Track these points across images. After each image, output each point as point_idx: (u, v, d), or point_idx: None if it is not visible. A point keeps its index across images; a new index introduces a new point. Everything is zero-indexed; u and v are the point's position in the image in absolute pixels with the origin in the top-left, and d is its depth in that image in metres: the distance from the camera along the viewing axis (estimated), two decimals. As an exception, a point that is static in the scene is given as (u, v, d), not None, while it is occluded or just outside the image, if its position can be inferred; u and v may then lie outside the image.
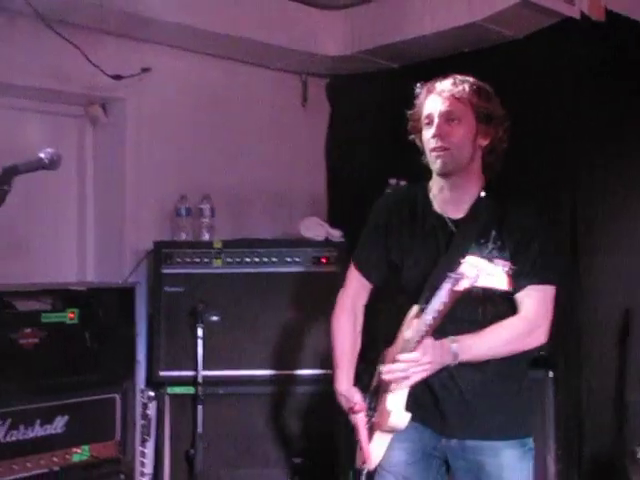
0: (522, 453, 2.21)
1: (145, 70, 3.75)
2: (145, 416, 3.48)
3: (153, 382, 3.55)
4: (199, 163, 4.00)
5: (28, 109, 3.74)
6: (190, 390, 3.47)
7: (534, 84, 3.55)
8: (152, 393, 3.51)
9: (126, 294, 3.41)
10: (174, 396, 3.52)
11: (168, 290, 3.55)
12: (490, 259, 2.05)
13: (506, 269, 2.06)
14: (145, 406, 3.49)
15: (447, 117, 2.17)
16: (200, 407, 3.43)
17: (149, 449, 3.51)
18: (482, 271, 1.96)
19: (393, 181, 3.85)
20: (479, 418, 2.18)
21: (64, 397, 3.14)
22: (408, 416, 2.16)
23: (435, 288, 2.02)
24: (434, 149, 2.17)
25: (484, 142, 2.21)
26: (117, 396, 3.32)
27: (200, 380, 3.43)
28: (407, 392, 2.15)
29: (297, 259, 3.63)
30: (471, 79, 2.22)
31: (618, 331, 3.51)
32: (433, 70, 3.96)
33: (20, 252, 3.64)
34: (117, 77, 3.64)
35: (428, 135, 2.19)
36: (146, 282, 3.74)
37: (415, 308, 2.18)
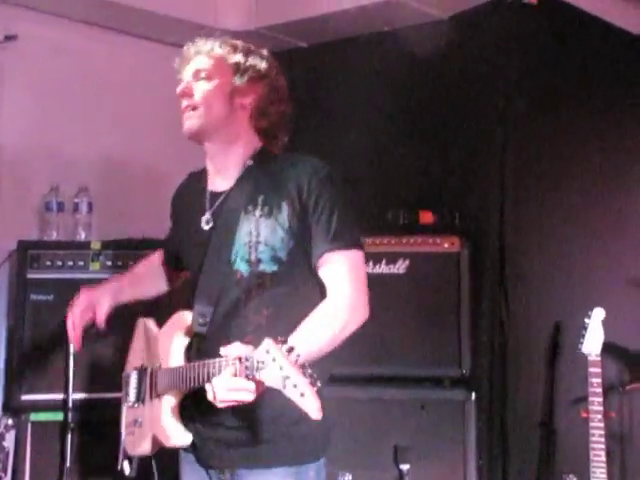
0: None
1: (9, 38, 3.59)
2: (1, 448, 3.29)
3: (12, 407, 3.39)
4: (74, 149, 3.86)
5: None
6: (58, 416, 3.34)
7: (458, 67, 3.61)
8: (10, 421, 3.33)
9: (-19, 302, 3.20)
10: (38, 424, 3.35)
11: (34, 298, 3.41)
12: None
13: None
14: (1, 436, 3.30)
15: (193, 74, 2.14)
16: (69, 436, 3.30)
17: (6, 487, 3.33)
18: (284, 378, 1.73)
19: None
20: (248, 442, 2.04)
21: None
22: (189, 438, 2.09)
23: (209, 292, 2.05)
24: (182, 111, 2.13)
25: (246, 100, 2.13)
26: (-33, 424, 3.14)
27: (71, 404, 3.31)
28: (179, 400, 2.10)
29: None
30: (228, 38, 2.20)
31: (547, 350, 3.54)
32: (347, 49, 4.03)
33: None
34: (-25, 44, 3.48)
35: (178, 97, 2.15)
36: (7, 288, 3.60)
37: (183, 317, 2.12)
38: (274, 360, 1.72)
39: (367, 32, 3.88)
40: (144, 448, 2.21)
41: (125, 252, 3.48)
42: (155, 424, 2.14)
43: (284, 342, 1.77)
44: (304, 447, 2.06)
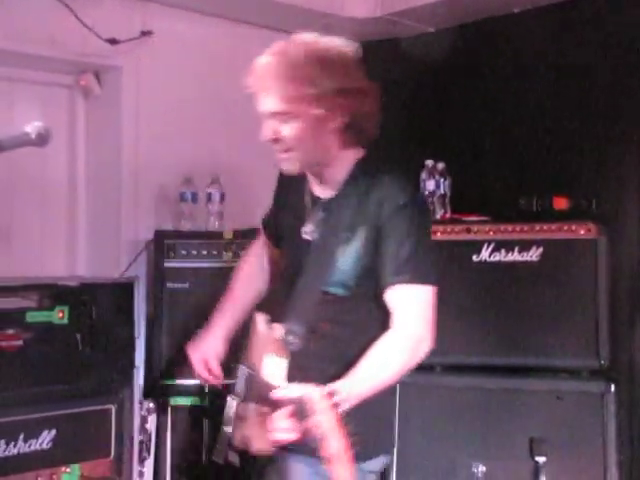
0: (309, 475, 2.08)
1: (145, 34, 3.72)
2: (144, 431, 3.43)
3: (153, 392, 3.51)
4: (206, 140, 3.95)
5: (11, 78, 3.69)
6: (196, 401, 3.45)
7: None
8: (152, 404, 3.46)
9: (123, 290, 3.36)
10: (177, 408, 3.49)
11: (171, 286, 3.53)
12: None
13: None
14: (144, 419, 3.43)
15: (278, 117, 2.09)
16: (207, 421, 3.40)
17: (148, 468, 3.46)
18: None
19: (430, 162, 3.77)
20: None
21: (51, 408, 3.09)
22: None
23: (299, 311, 2.05)
24: (276, 153, 2.15)
25: (339, 122, 2.08)
26: (112, 407, 3.27)
27: (207, 390, 3.39)
28: None
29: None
30: (308, 46, 2.09)
31: None
32: (477, 33, 4.02)
33: (1, 242, 3.60)
34: (113, 41, 3.60)
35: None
36: (146, 277, 3.70)
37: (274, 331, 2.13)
38: (318, 413, 1.78)
39: (500, 13, 3.84)
40: (256, 447, 2.23)
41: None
42: (250, 428, 2.18)
43: (331, 394, 1.82)
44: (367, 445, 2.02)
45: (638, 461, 3.40)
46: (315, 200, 2.17)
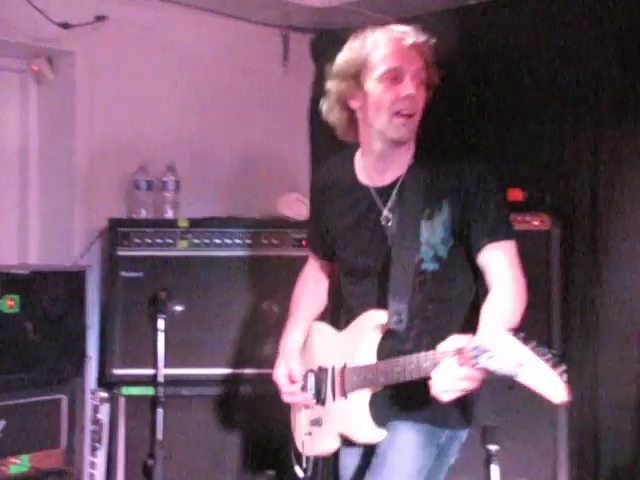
0: (424, 441, 2.16)
1: (100, 19, 3.66)
2: (96, 421, 3.39)
3: (106, 381, 3.50)
4: (162, 128, 3.93)
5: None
6: (149, 391, 3.43)
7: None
8: (105, 394, 3.42)
9: (75, 279, 3.35)
10: (130, 398, 3.48)
11: (125, 275, 3.51)
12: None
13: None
14: (96, 409, 3.39)
15: (419, 78, 2.12)
16: (160, 410, 3.39)
17: (100, 459, 3.45)
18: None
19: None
20: (391, 396, 2.18)
21: (1, 398, 3.06)
22: (382, 433, 2.18)
23: (401, 290, 2.11)
24: (403, 112, 2.11)
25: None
26: (64, 397, 3.26)
27: (161, 379, 3.39)
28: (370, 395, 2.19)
29: (275, 241, 3.59)
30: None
31: None
32: (435, 26, 4.01)
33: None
34: (66, 26, 3.54)
35: (393, 93, 2.11)
36: (99, 266, 3.70)
37: (377, 316, 2.18)
38: (507, 348, 1.80)
39: (456, 5, 3.86)
40: (327, 446, 2.33)
41: (211, 230, 3.55)
42: (344, 422, 2.25)
43: (514, 331, 1.84)
44: (442, 413, 2.14)
45: (589, 450, 3.45)
46: (379, 189, 2.23)
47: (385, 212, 2.21)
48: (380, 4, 3.99)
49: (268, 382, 3.45)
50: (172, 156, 3.85)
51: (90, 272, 3.40)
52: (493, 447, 3.31)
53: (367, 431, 2.20)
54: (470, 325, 2.10)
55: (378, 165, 2.24)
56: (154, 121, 3.91)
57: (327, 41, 4.44)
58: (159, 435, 3.37)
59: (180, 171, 3.82)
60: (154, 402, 3.40)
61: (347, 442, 2.28)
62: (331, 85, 2.23)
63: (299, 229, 3.59)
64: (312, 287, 2.55)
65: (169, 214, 3.76)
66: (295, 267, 3.52)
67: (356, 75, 2.15)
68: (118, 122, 3.81)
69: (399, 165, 2.22)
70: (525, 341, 1.79)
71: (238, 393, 3.54)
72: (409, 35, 2.12)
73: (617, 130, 3.53)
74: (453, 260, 2.18)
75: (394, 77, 2.11)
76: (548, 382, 1.77)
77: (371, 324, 2.20)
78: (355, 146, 2.30)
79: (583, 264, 3.49)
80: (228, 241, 3.56)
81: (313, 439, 2.37)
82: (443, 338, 1.99)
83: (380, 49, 2.12)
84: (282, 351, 2.47)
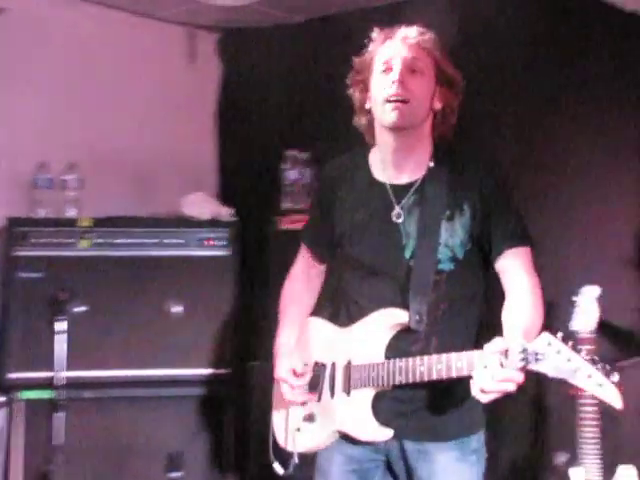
0: (460, 455, 2.20)
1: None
2: None
3: (3, 385, 3.42)
4: (63, 125, 3.86)
5: None
6: (48, 394, 3.36)
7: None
8: (1, 398, 3.38)
9: (-31, 280, 3.25)
10: (29, 402, 3.40)
11: (23, 276, 3.44)
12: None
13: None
14: None
15: (411, 66, 2.17)
16: (60, 415, 3.32)
17: (-3, 465, 3.36)
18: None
19: (293, 152, 3.79)
20: (413, 417, 2.19)
21: None
22: (389, 432, 2.17)
23: (422, 290, 2.13)
24: (391, 97, 2.15)
25: (438, 105, 2.24)
26: (-42, 402, 3.17)
27: (61, 382, 3.33)
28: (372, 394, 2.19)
29: (179, 241, 3.57)
30: (434, 35, 2.24)
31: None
32: (344, 25, 4.04)
33: None
34: (-39, 18, 3.44)
35: (384, 82, 2.17)
36: None
37: (396, 314, 2.17)
38: (559, 352, 1.83)
39: (367, 5, 3.87)
40: (322, 442, 2.29)
41: (114, 229, 3.51)
42: (346, 420, 2.22)
43: (562, 335, 1.87)
44: (469, 420, 2.21)
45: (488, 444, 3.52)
46: (395, 186, 2.24)
47: (397, 209, 2.22)
48: (287, 3, 4.00)
49: (172, 383, 3.49)
50: (75, 154, 3.77)
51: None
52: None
53: (371, 430, 2.18)
54: (479, 328, 2.16)
55: (394, 161, 2.24)
56: (55, 118, 3.84)
57: (234, 40, 4.43)
58: (59, 440, 3.30)
59: (84, 170, 3.74)
60: (54, 406, 3.32)
61: (345, 439, 2.25)
62: (352, 93, 2.32)
63: (203, 228, 3.58)
64: (304, 283, 2.51)
65: (71, 213, 3.68)
66: (199, 267, 3.55)
67: (365, 79, 2.25)
68: (17, 119, 3.72)
69: (418, 164, 2.24)
70: (574, 348, 1.85)
71: (144, 395, 3.50)
72: (399, 31, 2.21)
73: (520, 131, 3.61)
74: (467, 262, 2.21)
75: (385, 69, 2.18)
76: (606, 389, 1.82)
77: (388, 322, 2.19)
78: (365, 145, 2.33)
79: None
80: (131, 241, 3.52)
81: (304, 435, 2.33)
82: (452, 340, 2.03)
83: (377, 50, 2.23)
84: (280, 349, 2.43)
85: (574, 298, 3.14)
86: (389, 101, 2.15)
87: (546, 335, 1.86)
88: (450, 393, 2.10)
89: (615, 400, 1.81)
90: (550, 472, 3.27)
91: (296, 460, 2.33)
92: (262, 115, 4.22)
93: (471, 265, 2.23)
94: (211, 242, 3.56)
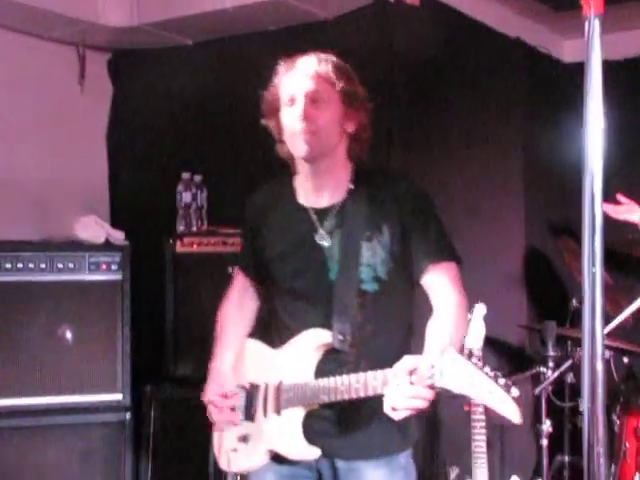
0: (389, 472, 2.23)
1: None
2: None
3: None
4: None
5: None
6: None
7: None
8: None
9: None
10: None
11: None
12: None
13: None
14: None
15: (313, 97, 2.20)
16: None
17: None
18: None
19: (187, 175, 3.78)
20: (348, 433, 2.22)
21: None
22: (317, 452, 2.20)
23: (345, 310, 2.16)
24: (300, 132, 2.18)
25: (351, 127, 2.26)
26: None
27: None
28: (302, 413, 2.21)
29: (71, 265, 3.49)
30: (334, 58, 2.27)
31: None
32: (233, 48, 4.07)
33: None
34: None
35: (291, 117, 2.21)
36: None
37: (321, 335, 2.20)
38: (462, 368, 1.85)
39: (251, 31, 3.90)
40: (255, 463, 2.28)
41: (4, 254, 3.41)
42: (276, 439, 2.22)
43: (468, 353, 1.89)
44: (398, 438, 2.23)
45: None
46: (317, 210, 2.27)
47: (321, 232, 2.24)
48: (176, 25, 4.00)
49: (61, 411, 3.41)
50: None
51: None
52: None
53: (300, 448, 2.19)
54: (408, 346, 2.17)
55: (314, 186, 2.27)
56: None
57: (125, 61, 4.39)
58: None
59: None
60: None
61: (277, 460, 2.25)
62: (267, 125, 2.32)
63: (96, 252, 3.53)
64: (239, 308, 2.50)
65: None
66: (91, 291, 3.49)
67: (276, 112, 2.26)
68: None
69: (337, 187, 2.26)
70: (477, 364, 1.87)
71: (33, 425, 3.40)
72: (299, 62, 2.24)
73: (407, 150, 3.69)
74: (392, 282, 2.22)
75: (290, 103, 2.21)
76: (506, 405, 1.85)
77: (313, 343, 2.20)
78: (290, 171, 2.34)
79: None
80: (20, 265, 3.43)
81: (239, 456, 2.32)
82: (381, 360, 2.03)
83: (281, 82, 2.25)
84: (212, 373, 2.42)
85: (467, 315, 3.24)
86: (296, 134, 2.19)
87: (451, 352, 1.91)
88: (378, 411, 2.10)
89: (514, 415, 1.85)
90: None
91: None
92: (154, 137, 4.19)
93: (398, 286, 2.26)
94: (104, 266, 3.51)
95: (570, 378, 3.57)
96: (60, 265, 3.47)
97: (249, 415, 2.33)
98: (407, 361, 1.97)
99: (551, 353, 3.55)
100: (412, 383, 1.92)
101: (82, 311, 3.48)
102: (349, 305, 2.20)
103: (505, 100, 4.09)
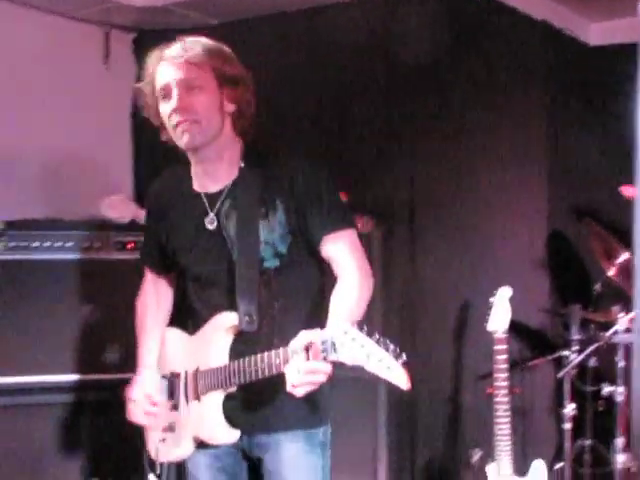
0: (307, 446, 2.25)
1: None
2: None
3: None
4: None
5: None
6: None
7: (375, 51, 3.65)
8: None
9: None
10: None
11: None
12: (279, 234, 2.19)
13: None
14: None
15: (187, 85, 2.18)
16: None
17: None
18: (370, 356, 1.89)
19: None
20: (260, 409, 2.23)
21: None
22: (237, 434, 2.21)
23: (249, 291, 2.17)
24: (178, 124, 2.18)
25: (231, 107, 2.26)
26: None
27: None
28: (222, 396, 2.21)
29: (97, 244, 3.48)
30: (205, 40, 2.25)
31: (456, 328, 3.68)
32: (257, 29, 4.06)
33: None
34: None
35: (168, 109, 2.20)
36: None
37: (228, 318, 2.21)
38: (354, 339, 1.87)
39: (278, 11, 3.89)
40: (183, 451, 2.31)
41: (27, 232, 3.41)
42: (198, 425, 2.24)
43: (358, 323, 1.92)
44: (315, 411, 2.24)
45: (405, 441, 3.58)
46: (209, 195, 2.27)
47: (211, 216, 2.25)
48: (202, 5, 3.99)
49: (85, 388, 3.42)
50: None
51: None
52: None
53: (222, 432, 2.21)
54: (319, 319, 2.16)
55: (205, 171, 2.28)
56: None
57: (149, 41, 4.36)
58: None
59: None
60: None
61: (202, 445, 2.28)
62: (147, 115, 2.32)
63: (122, 232, 3.52)
64: (153, 302, 2.53)
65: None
66: (118, 270, 3.49)
67: (154, 104, 2.26)
68: None
69: (229, 168, 2.27)
70: (369, 334, 1.89)
71: (56, 401, 3.42)
72: (166, 52, 2.22)
73: (434, 140, 3.70)
74: (294, 256, 2.23)
75: (164, 95, 2.21)
76: (393, 371, 1.87)
77: (222, 327, 2.22)
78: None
79: (402, 264, 3.62)
80: (47, 244, 3.42)
81: (167, 445, 2.35)
82: (293, 335, 2.03)
83: (155, 74, 2.23)
84: (138, 370, 2.46)
85: (491, 299, 3.24)
86: (177, 126, 2.18)
87: (342, 324, 1.93)
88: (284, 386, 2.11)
89: (402, 381, 1.87)
90: (467, 469, 3.37)
91: (157, 471, 2.36)
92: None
93: (300, 259, 2.26)
94: (130, 245, 3.51)
95: (592, 362, 3.57)
96: (86, 244, 3.48)
97: (173, 404, 2.34)
98: (303, 337, 1.99)
99: (575, 337, 3.55)
100: (308, 359, 1.94)
101: (107, 290, 3.49)
102: (252, 285, 2.20)
103: (530, 84, 4.07)
